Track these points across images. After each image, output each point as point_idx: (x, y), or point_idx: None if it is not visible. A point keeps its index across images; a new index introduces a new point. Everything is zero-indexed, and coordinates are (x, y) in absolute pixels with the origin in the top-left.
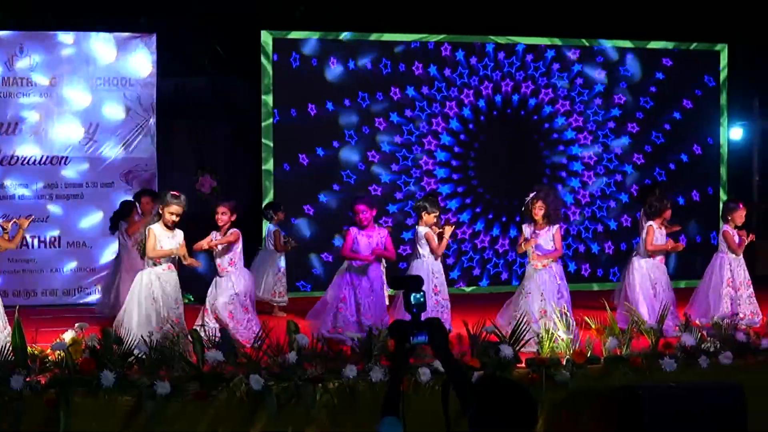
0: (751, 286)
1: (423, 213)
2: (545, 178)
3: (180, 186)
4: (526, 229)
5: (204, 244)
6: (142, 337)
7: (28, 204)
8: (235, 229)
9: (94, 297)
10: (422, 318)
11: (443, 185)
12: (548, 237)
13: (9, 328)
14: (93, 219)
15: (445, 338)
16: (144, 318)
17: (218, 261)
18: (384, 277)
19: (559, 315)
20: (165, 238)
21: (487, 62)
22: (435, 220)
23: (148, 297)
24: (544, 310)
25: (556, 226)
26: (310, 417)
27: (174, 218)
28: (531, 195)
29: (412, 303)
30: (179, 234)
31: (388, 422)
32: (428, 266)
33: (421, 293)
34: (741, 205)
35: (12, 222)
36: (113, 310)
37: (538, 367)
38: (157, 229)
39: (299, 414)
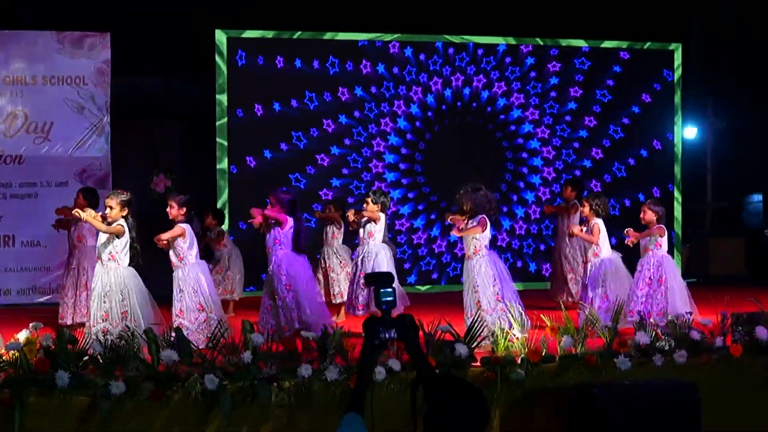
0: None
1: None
2: (507, 173)
3: (134, 185)
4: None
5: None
6: (96, 336)
7: None
8: (180, 225)
9: (49, 297)
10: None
11: (394, 190)
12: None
13: None
14: (47, 219)
15: (416, 335)
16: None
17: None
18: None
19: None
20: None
21: (437, 59)
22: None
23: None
24: (479, 302)
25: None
26: (266, 416)
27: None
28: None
29: (382, 299)
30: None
31: (351, 418)
32: None
33: (392, 289)
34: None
35: None
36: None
37: (493, 365)
38: None
39: (255, 413)
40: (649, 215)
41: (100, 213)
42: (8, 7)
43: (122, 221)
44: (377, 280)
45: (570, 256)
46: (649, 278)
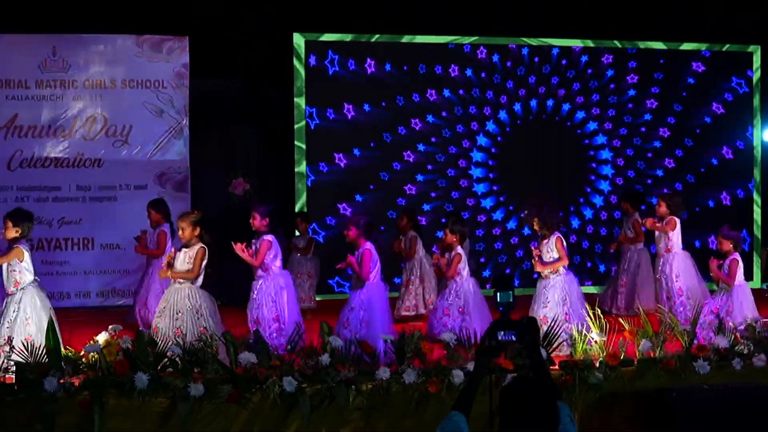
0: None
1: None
2: (580, 181)
3: (213, 189)
4: (535, 244)
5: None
6: (175, 338)
7: (62, 206)
8: (266, 238)
9: (127, 299)
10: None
11: (478, 184)
12: (550, 246)
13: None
14: (126, 222)
15: (535, 338)
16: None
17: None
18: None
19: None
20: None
21: (513, 62)
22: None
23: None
24: (545, 318)
25: (555, 235)
26: (343, 419)
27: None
28: (524, 213)
29: (499, 301)
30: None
31: (454, 416)
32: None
33: (509, 292)
34: None
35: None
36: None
37: (571, 369)
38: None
39: (332, 416)
40: (725, 245)
41: (173, 249)
42: (88, 12)
43: (197, 247)
44: (496, 283)
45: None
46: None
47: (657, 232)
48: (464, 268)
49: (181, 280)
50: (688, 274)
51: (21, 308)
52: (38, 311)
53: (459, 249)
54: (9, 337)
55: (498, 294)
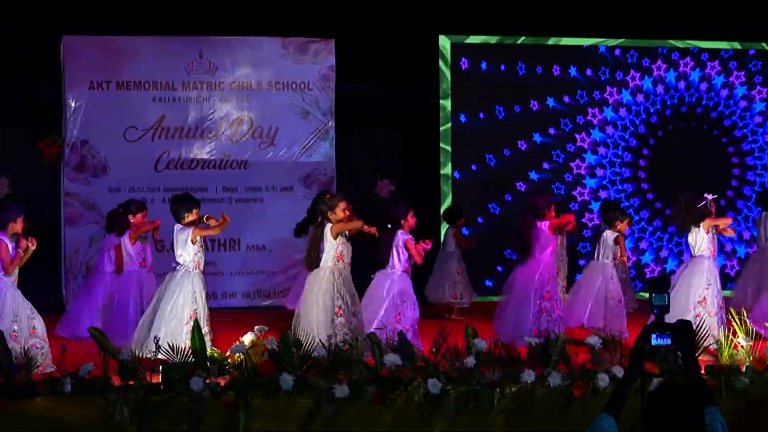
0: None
1: (616, 222)
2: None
3: (358, 190)
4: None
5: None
6: (320, 340)
7: (209, 207)
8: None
9: (273, 300)
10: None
11: (626, 184)
12: (699, 237)
13: (207, 328)
14: (272, 223)
15: (691, 342)
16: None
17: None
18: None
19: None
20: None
21: (660, 63)
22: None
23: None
24: (704, 299)
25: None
26: (488, 422)
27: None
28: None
29: (654, 304)
30: None
31: (604, 419)
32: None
33: (664, 294)
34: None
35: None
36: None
37: (717, 374)
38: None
39: (477, 418)
40: None
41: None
42: (234, 14)
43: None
44: (652, 285)
45: None
46: None
47: None
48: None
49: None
50: None
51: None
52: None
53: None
54: (156, 336)
55: (653, 296)
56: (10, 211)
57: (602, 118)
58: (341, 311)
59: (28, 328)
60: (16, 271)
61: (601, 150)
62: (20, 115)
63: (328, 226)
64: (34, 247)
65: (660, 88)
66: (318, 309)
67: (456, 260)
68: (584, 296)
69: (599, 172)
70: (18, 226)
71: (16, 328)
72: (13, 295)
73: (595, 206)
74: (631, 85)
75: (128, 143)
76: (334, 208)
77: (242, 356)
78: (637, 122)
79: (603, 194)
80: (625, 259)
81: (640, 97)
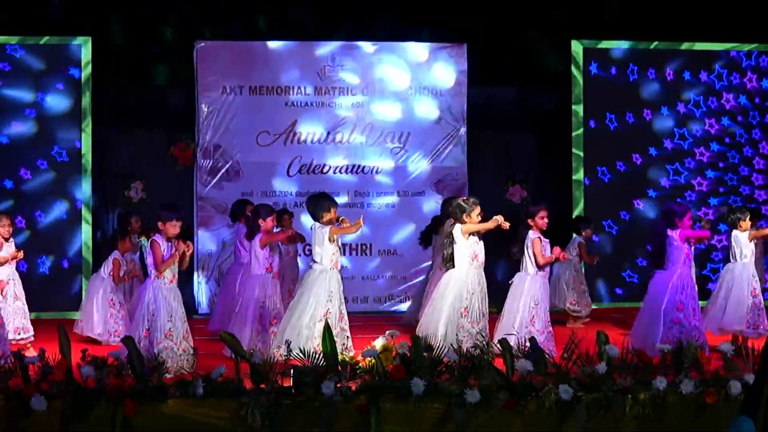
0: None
1: (739, 221)
2: None
3: (490, 195)
4: None
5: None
6: (451, 345)
7: (340, 212)
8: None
9: (405, 306)
10: None
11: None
12: None
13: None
14: (404, 228)
15: None
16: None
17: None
18: None
19: None
20: None
21: None
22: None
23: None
24: None
25: None
26: (619, 428)
27: None
28: None
29: None
30: None
31: (743, 422)
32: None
33: None
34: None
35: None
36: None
37: None
38: None
39: (608, 425)
40: None
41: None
42: (366, 20)
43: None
44: None
45: None
46: None
47: None
48: None
49: None
50: None
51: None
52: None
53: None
54: (287, 341)
55: None
56: (165, 213)
57: (747, 122)
58: (465, 311)
59: (183, 330)
60: (174, 273)
61: (742, 161)
62: (154, 120)
63: (458, 227)
64: (190, 251)
65: None
66: (446, 307)
67: (574, 269)
68: (730, 299)
69: (729, 176)
70: (173, 229)
71: (170, 327)
72: (165, 296)
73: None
74: (764, 90)
75: (260, 148)
76: (470, 212)
77: (373, 360)
78: None
79: (732, 201)
80: None
81: None
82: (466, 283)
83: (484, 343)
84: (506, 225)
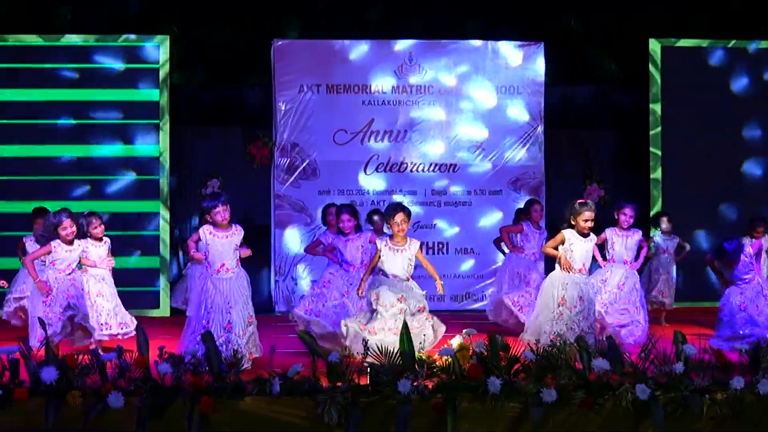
0: None
1: None
2: None
3: (567, 194)
4: None
5: None
6: (528, 344)
7: (417, 210)
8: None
9: (482, 303)
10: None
11: None
12: None
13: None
14: (481, 226)
15: None
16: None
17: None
18: None
19: None
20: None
21: None
22: None
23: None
24: None
25: None
26: (696, 428)
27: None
28: None
29: None
30: None
31: None
32: None
33: None
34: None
35: None
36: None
37: None
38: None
39: (685, 425)
40: None
41: None
42: (445, 18)
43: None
44: None
45: None
46: None
47: None
48: None
49: None
50: None
51: None
52: None
53: None
54: (365, 339)
55: None
56: (207, 203)
57: None
58: (563, 301)
59: (244, 321)
60: (223, 263)
61: None
62: (231, 119)
63: (569, 231)
64: (245, 255)
65: None
66: (551, 303)
67: (666, 266)
68: None
69: None
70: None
71: (230, 319)
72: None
73: None
74: None
75: (337, 146)
76: (577, 216)
77: (450, 359)
78: None
79: None
80: None
81: None
82: (561, 283)
83: (561, 342)
84: (567, 268)
